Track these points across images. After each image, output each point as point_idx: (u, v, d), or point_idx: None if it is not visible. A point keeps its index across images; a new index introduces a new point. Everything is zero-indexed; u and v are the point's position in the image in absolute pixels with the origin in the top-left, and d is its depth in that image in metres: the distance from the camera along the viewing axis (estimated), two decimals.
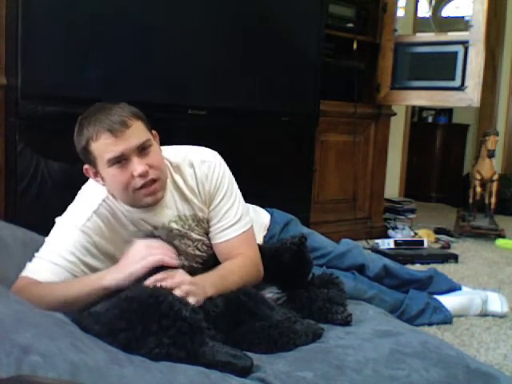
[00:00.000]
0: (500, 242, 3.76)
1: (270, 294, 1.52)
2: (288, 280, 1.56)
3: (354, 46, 3.45)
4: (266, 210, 1.96)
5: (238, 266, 1.46)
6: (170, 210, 1.49)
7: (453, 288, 2.24)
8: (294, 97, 2.99)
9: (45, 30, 2.14)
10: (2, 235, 1.54)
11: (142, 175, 1.36)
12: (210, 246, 1.59)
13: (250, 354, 1.13)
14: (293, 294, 1.56)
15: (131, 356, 1.00)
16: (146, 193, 1.39)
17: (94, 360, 0.91)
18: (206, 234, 1.57)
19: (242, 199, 1.58)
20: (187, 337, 1.07)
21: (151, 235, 1.49)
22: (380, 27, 3.60)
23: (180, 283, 1.25)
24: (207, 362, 1.08)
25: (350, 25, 3.50)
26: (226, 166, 1.57)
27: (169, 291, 1.16)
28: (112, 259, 1.44)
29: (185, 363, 1.04)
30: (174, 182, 1.50)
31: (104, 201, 1.45)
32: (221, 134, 2.62)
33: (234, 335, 1.25)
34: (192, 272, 1.40)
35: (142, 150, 1.37)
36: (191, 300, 1.22)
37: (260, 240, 1.81)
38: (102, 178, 1.40)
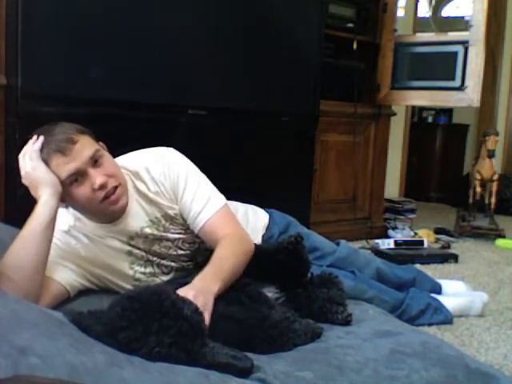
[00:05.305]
0: (500, 241, 3.76)
1: (269, 293, 1.51)
2: (286, 279, 1.56)
3: (354, 46, 3.45)
4: (265, 211, 1.96)
5: (227, 248, 1.43)
6: (140, 217, 1.51)
7: (435, 287, 2.25)
8: (294, 97, 2.99)
9: (45, 30, 2.15)
10: (2, 237, 1.53)
11: (103, 186, 1.38)
12: (192, 242, 1.60)
13: (249, 355, 1.13)
14: (291, 294, 1.56)
15: (131, 357, 1.00)
16: (110, 202, 1.42)
17: (93, 361, 0.91)
18: (184, 230, 1.58)
19: (208, 182, 1.58)
20: (188, 338, 1.06)
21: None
22: (380, 27, 3.60)
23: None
24: (207, 363, 1.07)
25: (350, 25, 3.50)
26: (180, 157, 1.58)
27: (172, 291, 1.15)
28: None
29: (185, 364, 1.04)
30: (137, 189, 1.52)
31: (71, 227, 1.49)
32: (221, 134, 2.62)
33: (233, 336, 1.24)
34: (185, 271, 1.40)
35: (95, 161, 1.39)
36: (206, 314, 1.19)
37: (259, 240, 1.81)
38: (65, 200, 1.41)
